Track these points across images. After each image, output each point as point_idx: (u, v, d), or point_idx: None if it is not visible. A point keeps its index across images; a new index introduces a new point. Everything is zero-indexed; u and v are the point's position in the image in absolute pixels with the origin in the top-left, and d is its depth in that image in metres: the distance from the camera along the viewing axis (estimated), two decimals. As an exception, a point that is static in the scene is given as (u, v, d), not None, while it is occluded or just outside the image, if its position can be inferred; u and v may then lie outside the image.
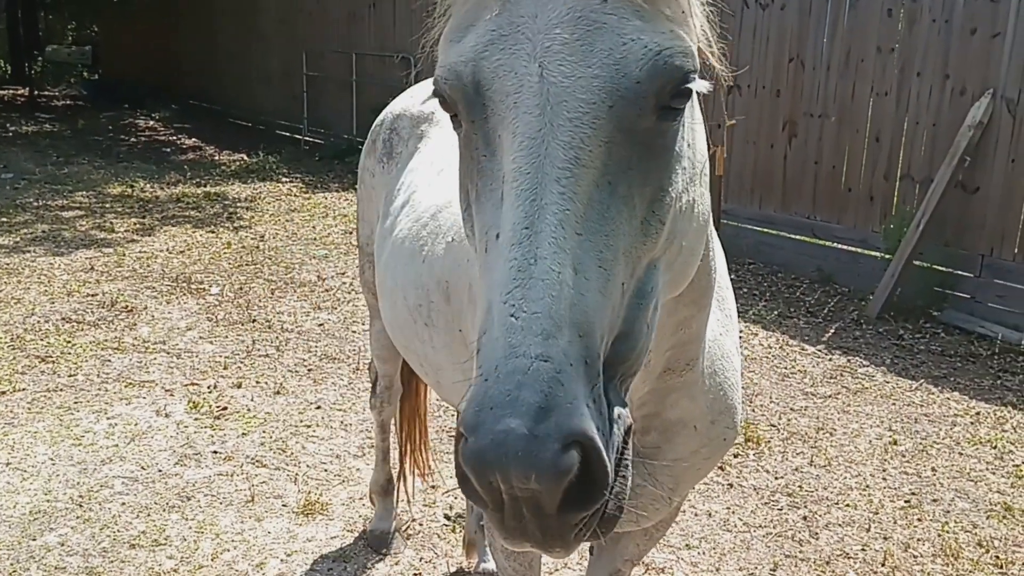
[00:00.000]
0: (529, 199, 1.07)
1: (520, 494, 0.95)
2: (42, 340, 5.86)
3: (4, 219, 9.24)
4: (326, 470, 4.37)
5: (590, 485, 0.97)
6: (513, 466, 0.93)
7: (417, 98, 3.05)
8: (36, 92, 21.46)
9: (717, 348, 1.88)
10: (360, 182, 3.22)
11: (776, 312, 6.97)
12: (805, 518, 4.13)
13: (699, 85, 1.20)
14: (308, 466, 4.40)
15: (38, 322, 6.19)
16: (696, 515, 4.12)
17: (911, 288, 6.95)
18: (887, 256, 7.15)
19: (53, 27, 34.42)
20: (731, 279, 2.10)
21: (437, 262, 2.33)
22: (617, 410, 1.05)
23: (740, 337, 6.47)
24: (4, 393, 5.03)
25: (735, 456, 4.69)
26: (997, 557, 3.86)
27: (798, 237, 8.05)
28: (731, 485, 4.41)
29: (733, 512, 4.16)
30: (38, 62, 27.12)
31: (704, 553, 3.83)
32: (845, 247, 7.70)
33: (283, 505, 4.02)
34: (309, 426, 4.83)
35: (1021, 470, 4.63)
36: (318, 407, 5.07)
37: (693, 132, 1.30)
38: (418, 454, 3.77)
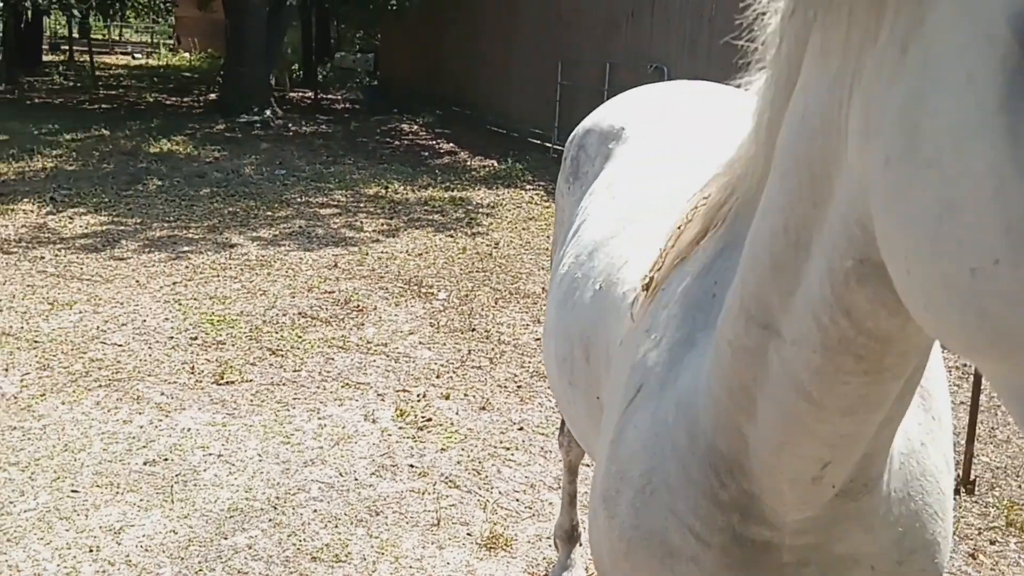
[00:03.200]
0: None
1: None
2: (277, 333, 6.13)
3: (269, 213, 9.92)
4: (518, 499, 4.16)
5: None
6: None
7: (612, 110, 2.74)
8: (320, 96, 23.20)
9: (915, 464, 1.42)
10: (556, 204, 2.96)
11: (1061, 369, 5.95)
12: (1076, 634, 3.39)
13: None
14: (500, 492, 4.21)
15: (276, 315, 6.50)
16: (932, 610, 3.49)
17: None
18: None
19: (344, 35, 37.21)
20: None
21: (583, 311, 2.01)
22: None
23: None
24: (233, 383, 5.27)
25: (991, 543, 3.97)
26: None
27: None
28: (982, 578, 3.72)
29: (981, 613, 3.50)
30: (327, 68, 29.49)
31: (937, 660, 3.22)
32: None
33: (468, 534, 3.85)
34: (508, 448, 4.65)
35: None
36: (521, 428, 4.89)
37: None
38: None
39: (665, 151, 2.31)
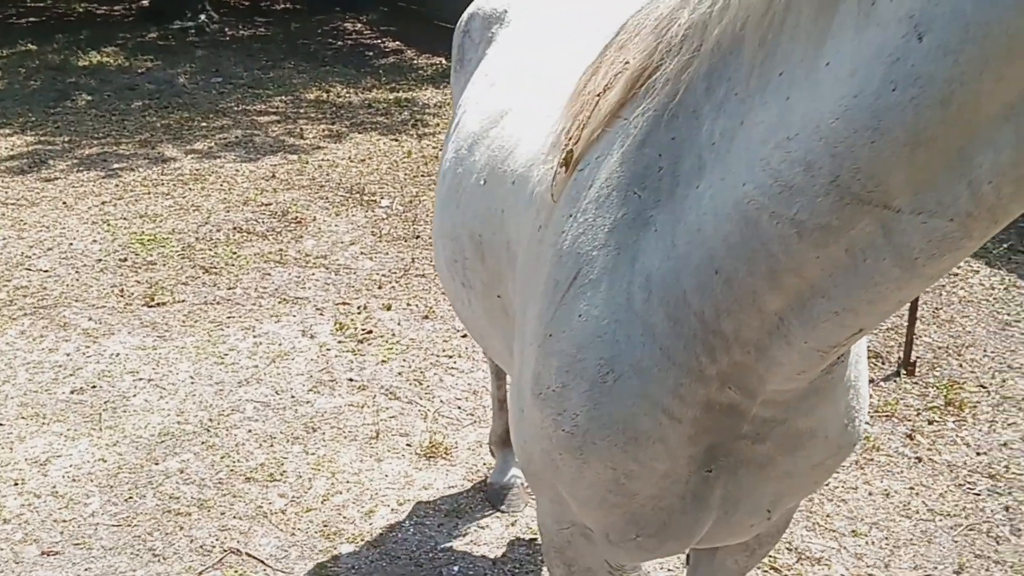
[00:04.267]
0: None
1: None
2: (210, 250, 5.94)
3: (204, 124, 9.55)
4: (459, 407, 4.10)
5: None
6: None
7: None
8: (259, -4, 22.22)
9: None
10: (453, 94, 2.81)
11: (1006, 245, 5.93)
12: (1008, 508, 3.43)
13: None
14: (442, 401, 4.15)
15: (210, 231, 6.29)
16: (871, 494, 3.52)
17: None
18: None
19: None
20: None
21: (469, 208, 1.90)
22: None
23: (956, 274, 5.54)
24: (164, 304, 5.10)
25: (930, 423, 3.99)
26: None
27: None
28: (919, 459, 3.74)
29: (917, 494, 3.52)
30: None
31: (873, 543, 3.25)
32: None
33: (407, 445, 3.80)
34: (451, 356, 4.57)
35: None
36: (465, 335, 4.80)
37: None
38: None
39: (547, 32, 2.17)
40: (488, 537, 3.28)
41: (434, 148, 8.64)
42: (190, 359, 4.49)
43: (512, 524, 3.34)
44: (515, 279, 1.67)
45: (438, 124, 9.68)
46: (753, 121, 1.15)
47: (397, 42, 16.19)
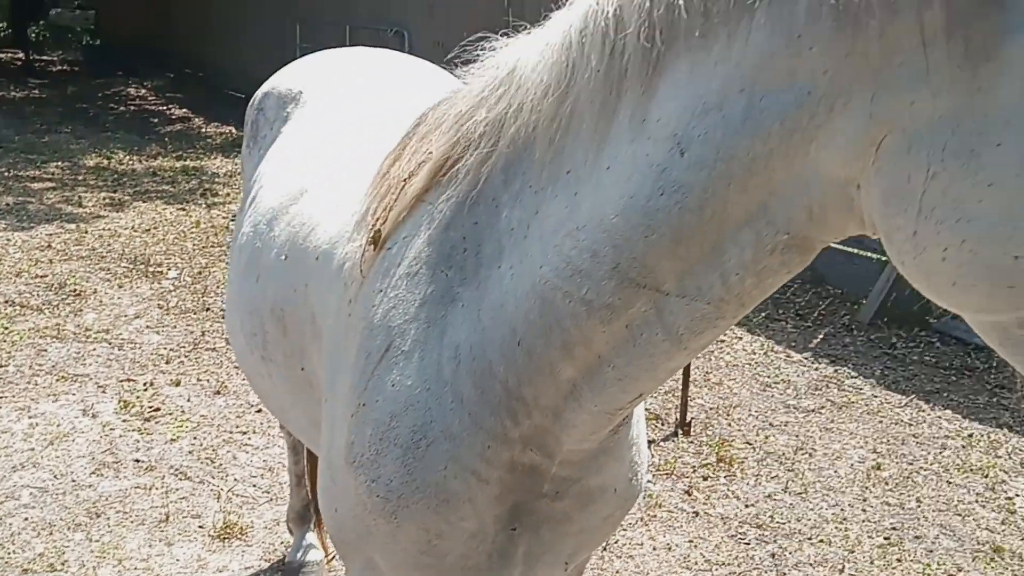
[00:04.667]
0: None
1: None
2: (-23, 326, 5.52)
3: (-31, 190, 8.89)
4: (255, 485, 4.02)
5: None
6: None
7: (290, 74, 2.69)
8: (33, 57, 20.99)
9: None
10: (242, 170, 2.85)
11: (763, 314, 6.57)
12: (774, 555, 3.77)
13: None
14: (236, 479, 4.05)
15: (-23, 306, 5.85)
16: (655, 549, 3.77)
17: (907, 293, 6.53)
18: (883, 258, 6.73)
19: (57, -11, 33.86)
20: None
21: (271, 283, 1.95)
22: None
23: (723, 341, 6.04)
24: (-77, 386, 4.69)
25: (704, 479, 4.33)
26: (982, 608, 3.50)
27: (793, 233, 7.65)
28: (697, 513, 4.05)
29: (696, 546, 3.80)
30: (40, 25, 26.65)
31: (657, 595, 3.48)
32: (840, 246, 7.28)
33: (199, 527, 3.67)
34: (245, 432, 4.48)
35: (1013, 504, 4.25)
36: (259, 409, 4.71)
37: None
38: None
39: (343, 116, 2.28)
40: (288, 616, 3.23)
41: (224, 218, 8.47)
42: (-47, 445, 4.14)
43: (312, 601, 3.30)
44: (321, 352, 1.73)
45: (228, 194, 9.50)
46: (546, 212, 1.31)
47: (184, 109, 15.78)
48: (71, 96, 16.40)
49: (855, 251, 7.16)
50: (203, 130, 13.74)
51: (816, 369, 5.73)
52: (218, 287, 6.55)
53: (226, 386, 4.95)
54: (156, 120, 14.70)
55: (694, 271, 1.22)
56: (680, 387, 4.79)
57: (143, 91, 17.75)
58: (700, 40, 1.12)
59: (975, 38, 0.94)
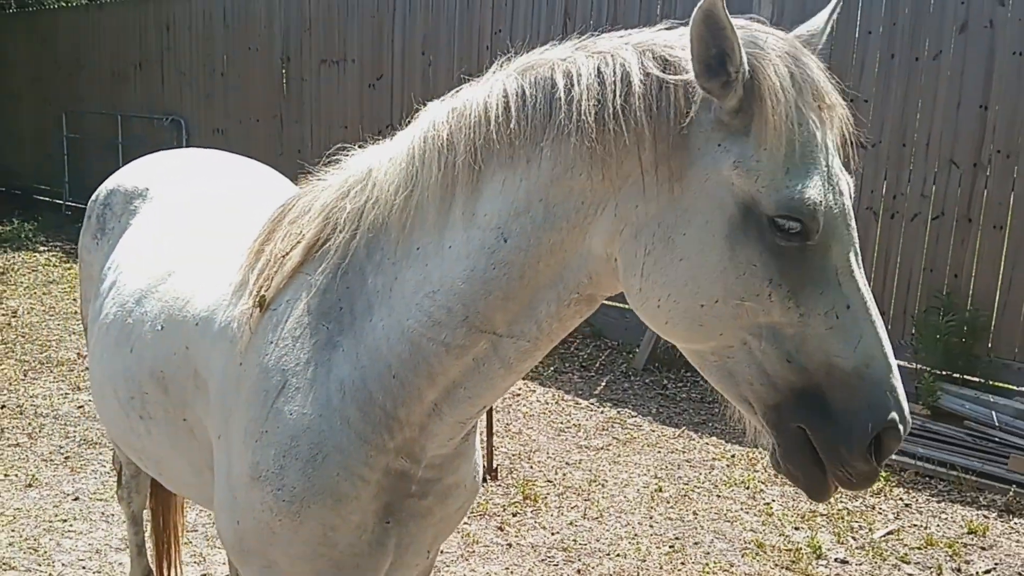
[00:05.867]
0: (866, 288, 1.54)
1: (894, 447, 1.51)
2: None
3: None
4: (84, 567, 4.07)
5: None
6: (905, 434, 1.51)
7: (133, 172, 2.98)
8: None
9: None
10: (80, 260, 3.08)
11: (552, 368, 7.24)
12: (579, 571, 4.29)
13: None
14: (63, 564, 4.08)
15: None
16: (476, 578, 4.18)
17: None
18: (651, 310, 7.61)
19: None
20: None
21: (147, 351, 2.26)
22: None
23: (518, 395, 6.57)
24: None
25: (514, 515, 4.81)
26: (751, 592, 4.17)
27: (571, 294, 8.43)
28: (510, 545, 4.51)
29: (512, 572, 4.26)
30: None
31: (483, 617, 3.89)
32: (612, 303, 8.13)
33: (33, 612, 3.71)
34: (65, 520, 4.49)
35: (771, 508, 5.03)
36: (76, 498, 4.73)
37: None
38: (174, 545, 3.58)
39: (195, 208, 2.62)
40: None
41: (4, 315, 8.18)
42: None
43: (162, 664, 3.44)
44: (208, 401, 2.06)
45: (3, 291, 9.17)
46: (404, 278, 1.78)
47: (-63, 205, 14.76)
48: None
49: (625, 307, 8.02)
50: (-37, 226, 12.97)
51: (602, 412, 6.42)
52: (10, 384, 6.38)
53: (37, 479, 4.91)
54: (-95, 218, 13.69)
55: (518, 320, 1.71)
56: (485, 438, 5.27)
57: None
58: (509, 162, 1.65)
59: (673, 168, 1.52)
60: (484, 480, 5.18)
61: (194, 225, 2.53)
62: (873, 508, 5.06)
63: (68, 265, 10.40)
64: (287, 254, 1.91)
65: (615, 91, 1.54)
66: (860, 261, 1.56)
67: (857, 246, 1.56)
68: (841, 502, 5.10)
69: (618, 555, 4.45)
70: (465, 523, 4.65)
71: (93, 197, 3.03)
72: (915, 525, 4.86)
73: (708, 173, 1.50)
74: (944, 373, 6.37)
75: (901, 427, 1.51)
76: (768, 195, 1.47)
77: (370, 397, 1.81)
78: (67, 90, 14.42)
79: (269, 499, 1.84)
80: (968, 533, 4.77)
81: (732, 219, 1.49)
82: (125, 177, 2.97)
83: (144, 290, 2.37)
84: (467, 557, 4.36)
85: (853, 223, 1.55)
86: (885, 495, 5.21)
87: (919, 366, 6.34)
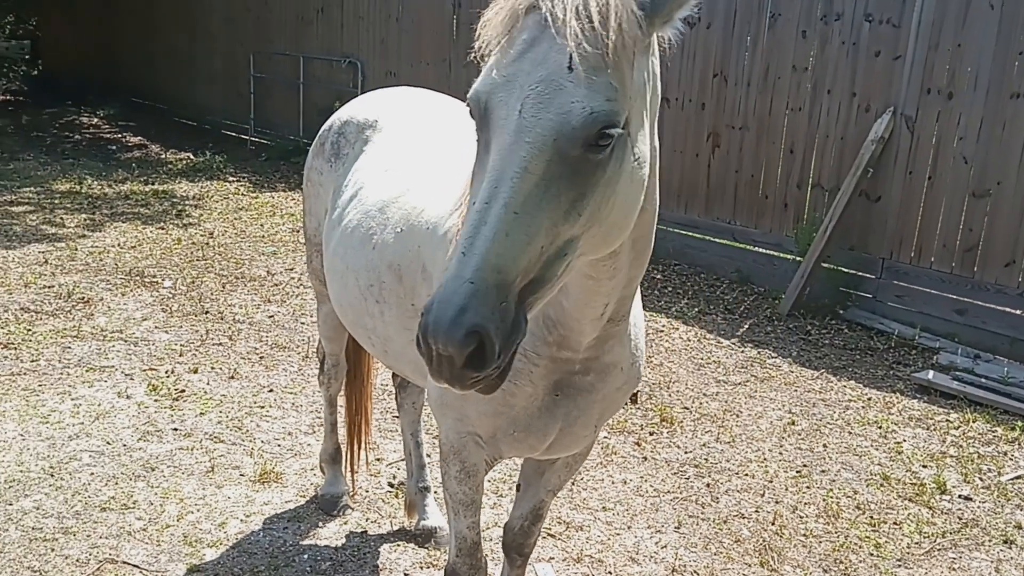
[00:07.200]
0: (493, 186, 1.64)
1: (442, 354, 1.57)
2: (2, 328, 6.15)
3: (-47, 214, 9.40)
4: (279, 445, 4.78)
5: (481, 359, 1.57)
6: (440, 338, 1.55)
7: (363, 106, 3.51)
8: (-25, 87, 21.22)
9: (637, 309, 2.44)
10: (307, 180, 3.65)
11: (696, 309, 7.55)
12: (708, 485, 4.67)
13: (617, 131, 1.70)
14: (263, 442, 4.81)
15: (-2, 311, 6.47)
16: (613, 483, 4.63)
17: (819, 288, 7.59)
18: (798, 259, 7.77)
19: (-11, 20, 33.74)
20: (657, 278, 2.63)
21: (388, 248, 2.78)
22: (518, 320, 1.63)
23: (661, 331, 6.93)
24: (-30, 376, 5.33)
25: (651, 434, 5.22)
26: (872, 518, 4.44)
27: (719, 240, 8.65)
28: (645, 458, 4.93)
29: (646, 480, 4.69)
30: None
31: (618, 514, 4.34)
32: (762, 250, 8.32)
33: (241, 475, 4.43)
34: (263, 407, 5.23)
35: (901, 447, 5.24)
36: (270, 390, 5.47)
37: (623, 154, 1.75)
38: (364, 427, 4.22)
39: (419, 138, 3.14)
40: (326, 533, 4.00)
41: (202, 236, 9.15)
42: (14, 420, 4.81)
43: (344, 523, 4.08)
44: (431, 289, 2.57)
45: (201, 215, 10.17)
46: None
47: (139, 137, 16.31)
48: (26, 125, 16.80)
49: (774, 253, 8.20)
50: (162, 156, 14.32)
51: (742, 352, 6.70)
52: (212, 294, 7.27)
53: (238, 372, 5.69)
54: (114, 147, 15.22)
55: None
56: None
57: (95, 120, 18.20)
58: None
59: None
60: (624, 405, 5.62)
61: (421, 153, 3.05)
62: (1005, 454, 5.17)
63: (255, 195, 11.41)
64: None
65: None
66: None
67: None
68: (973, 447, 5.24)
69: (746, 475, 4.80)
70: (605, 437, 5.11)
71: (326, 126, 3.60)
72: (1047, 474, 4.96)
73: None
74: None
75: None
76: None
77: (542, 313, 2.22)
78: (256, 32, 15.52)
79: None
80: (1102, 485, 4.84)
81: None
82: (357, 110, 3.51)
83: (386, 201, 2.92)
84: (605, 465, 4.82)
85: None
86: (1020, 443, 5.31)
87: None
